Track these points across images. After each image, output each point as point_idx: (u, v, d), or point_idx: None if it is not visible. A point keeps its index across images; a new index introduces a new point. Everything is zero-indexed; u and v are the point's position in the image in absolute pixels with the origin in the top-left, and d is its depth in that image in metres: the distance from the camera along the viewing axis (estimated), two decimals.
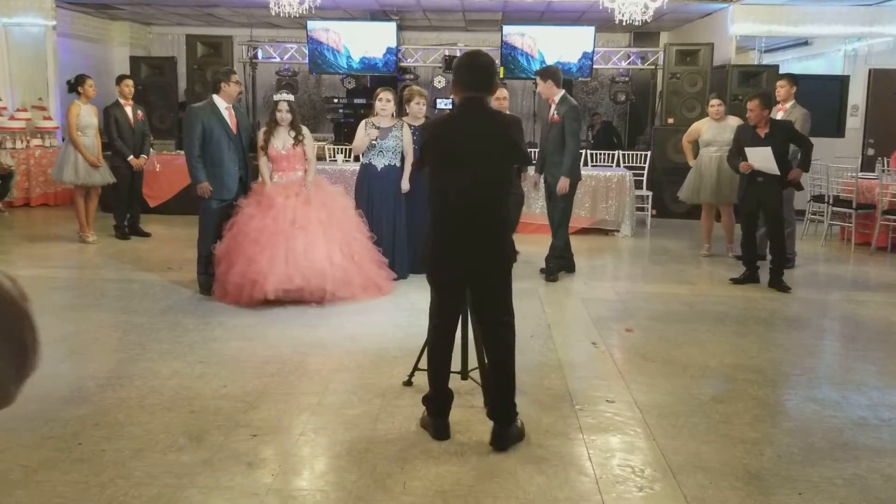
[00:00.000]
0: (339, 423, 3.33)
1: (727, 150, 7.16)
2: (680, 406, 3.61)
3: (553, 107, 6.19)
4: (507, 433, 3.10)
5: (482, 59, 3.05)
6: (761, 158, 5.86)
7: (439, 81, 10.64)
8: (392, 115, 6.08)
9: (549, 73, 6.26)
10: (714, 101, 7.24)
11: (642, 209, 9.19)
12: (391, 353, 4.27)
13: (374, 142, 5.93)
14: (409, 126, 6.16)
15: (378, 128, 5.97)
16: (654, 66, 10.11)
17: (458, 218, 2.99)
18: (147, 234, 7.96)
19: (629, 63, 10.32)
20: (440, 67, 10.75)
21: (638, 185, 9.02)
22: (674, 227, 9.00)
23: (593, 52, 9.94)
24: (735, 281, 6.19)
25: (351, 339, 4.57)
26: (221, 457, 3.00)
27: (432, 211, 3.12)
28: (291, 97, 5.76)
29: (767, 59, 11.85)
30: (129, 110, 7.70)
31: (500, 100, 6.16)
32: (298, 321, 4.93)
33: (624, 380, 3.93)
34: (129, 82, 7.71)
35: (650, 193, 9.20)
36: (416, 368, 3.71)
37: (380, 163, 6.05)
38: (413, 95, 6.20)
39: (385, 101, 6.01)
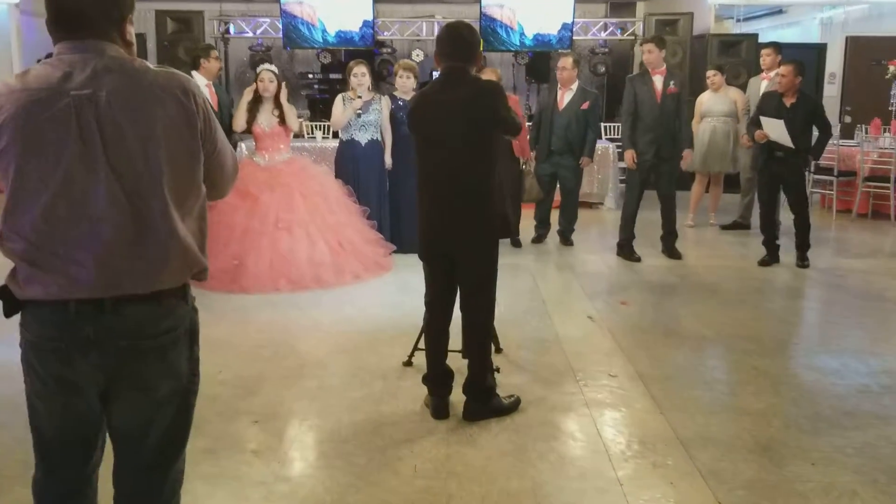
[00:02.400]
0: (342, 407, 3.26)
1: (723, 120, 7.17)
2: (683, 378, 3.60)
3: (662, 77, 5.93)
4: (477, 408, 3.10)
5: (462, 29, 2.97)
6: (775, 130, 5.63)
7: (417, 55, 10.45)
8: (368, 87, 5.95)
9: (664, 42, 6.14)
10: (710, 73, 7.21)
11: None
12: (387, 333, 4.20)
13: (358, 111, 5.80)
14: (398, 99, 6.03)
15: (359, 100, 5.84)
16: (633, 37, 10.04)
17: (435, 189, 2.95)
18: None
19: (608, 34, 10.24)
20: (417, 40, 10.57)
21: (619, 157, 8.99)
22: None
23: (573, 23, 9.84)
24: (762, 263, 5.89)
25: (345, 320, 4.48)
26: (224, 445, 2.92)
27: (417, 184, 3.08)
28: (275, 68, 5.60)
29: (743, 29, 11.84)
30: None
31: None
32: (290, 304, 4.83)
33: (624, 353, 3.91)
34: None
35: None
36: (415, 348, 3.65)
37: (363, 138, 5.92)
38: (398, 69, 6.06)
39: (360, 76, 5.87)
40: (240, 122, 5.57)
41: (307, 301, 4.90)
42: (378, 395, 3.38)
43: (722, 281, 5.45)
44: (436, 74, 5.97)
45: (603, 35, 10.30)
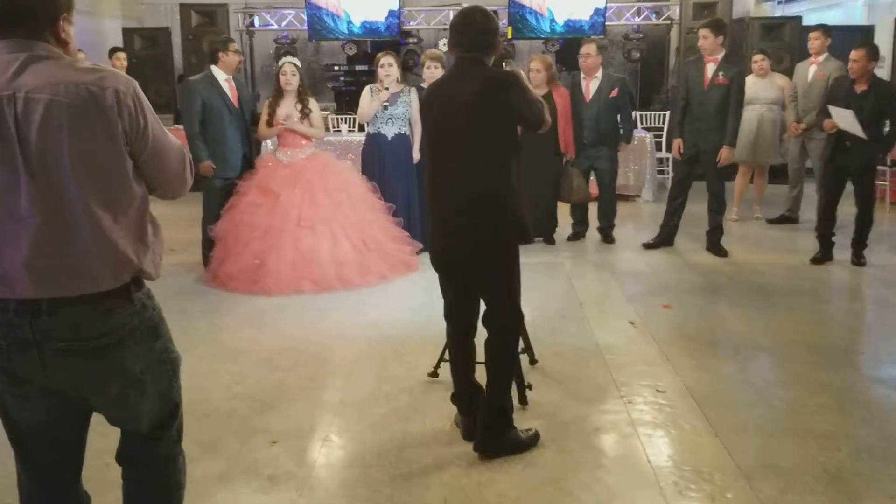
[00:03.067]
0: (365, 425, 3.02)
1: (769, 108, 6.77)
2: (737, 394, 3.29)
3: (713, 66, 5.59)
4: (490, 439, 2.74)
5: (477, 15, 2.63)
6: (844, 119, 5.23)
7: (444, 45, 10.16)
8: (397, 79, 5.68)
9: (723, 27, 5.68)
10: (757, 57, 6.79)
11: (662, 172, 8.81)
12: (414, 340, 3.95)
13: (384, 104, 5.53)
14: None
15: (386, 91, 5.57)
16: (668, 22, 9.63)
17: (445, 192, 2.64)
18: None
19: (642, 19, 9.83)
20: (444, 29, 10.27)
21: (658, 146, 8.62)
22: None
23: (605, 7, 9.45)
24: (815, 261, 5.53)
25: (370, 325, 4.24)
26: (239, 469, 2.69)
27: (426, 185, 2.79)
28: (297, 61, 5.37)
29: (783, 11, 11.31)
30: None
31: (534, 72, 5.77)
32: (312, 306, 4.61)
33: (670, 363, 3.60)
34: (122, 55, 7.33)
35: (669, 155, 8.80)
36: (441, 359, 3.37)
37: (390, 132, 5.66)
38: (425, 59, 5.78)
39: (387, 66, 5.60)
40: (264, 133, 5.36)
41: (330, 303, 4.67)
42: (404, 412, 3.13)
43: (772, 280, 5.10)
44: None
45: (637, 20, 9.90)
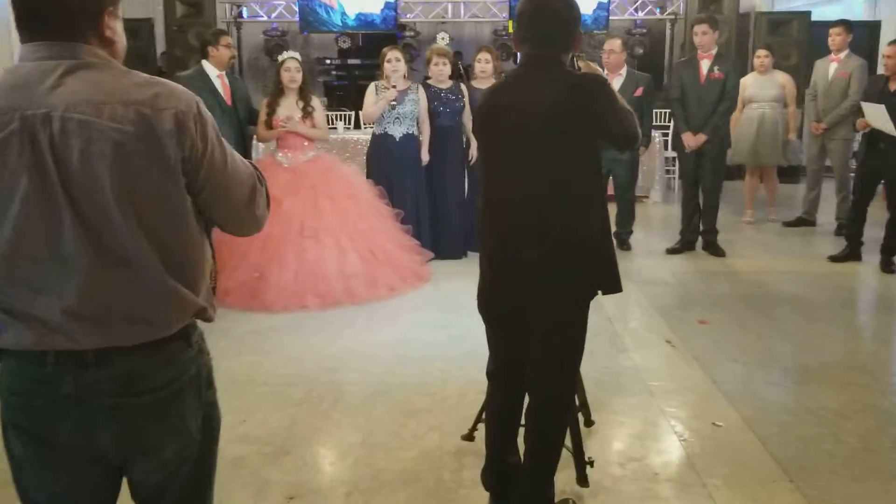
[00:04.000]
0: (394, 474, 2.67)
1: (771, 106, 6.49)
2: (800, 427, 2.98)
3: (710, 61, 5.46)
4: None
5: (552, 1, 2.10)
6: (877, 116, 4.98)
7: (443, 38, 9.78)
8: (404, 76, 5.33)
9: (717, 22, 5.63)
10: (760, 52, 6.50)
11: (668, 172, 8.52)
12: (436, 365, 3.61)
13: (392, 103, 5.17)
14: (433, 88, 5.40)
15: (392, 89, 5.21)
16: (673, 16, 9.34)
17: (506, 226, 2.12)
18: None
19: (646, 13, 9.53)
20: (443, 23, 9.89)
21: (665, 145, 8.33)
22: None
23: (609, 1, 9.13)
24: (834, 259, 5.38)
25: (385, 345, 3.89)
26: None
27: (478, 214, 2.27)
28: (298, 55, 4.99)
29: (781, 6, 11.04)
30: None
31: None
32: (319, 324, 4.25)
33: (720, 391, 3.29)
34: None
35: (675, 154, 8.50)
36: (478, 421, 2.78)
37: (398, 132, 5.30)
38: (432, 55, 5.42)
39: (395, 62, 5.23)
40: (263, 135, 4.98)
41: (339, 320, 4.31)
42: (436, 456, 2.78)
43: (803, 291, 4.81)
44: (481, 67, 5.47)
45: (641, 14, 9.58)
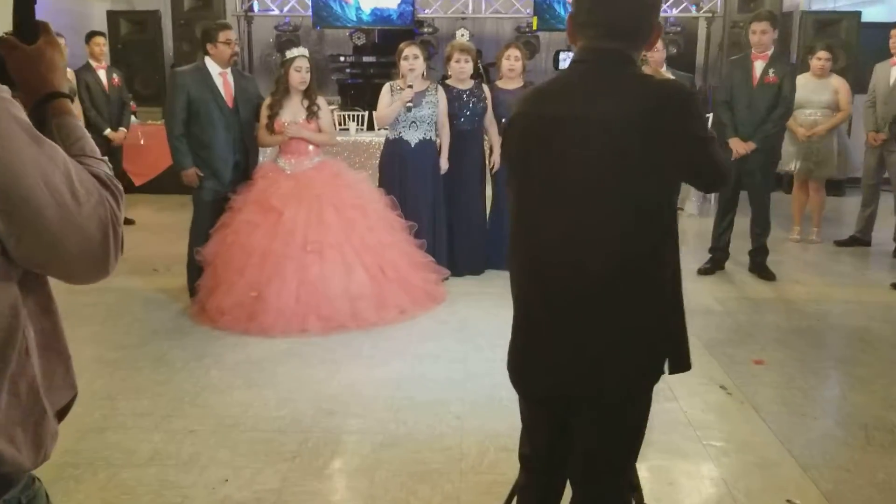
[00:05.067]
0: None
1: (823, 113, 5.94)
2: None
3: (764, 62, 4.95)
4: None
5: None
6: None
7: (462, 34, 9.28)
8: (423, 75, 4.82)
9: (777, 21, 5.13)
10: (822, 54, 5.92)
11: None
12: (451, 410, 3.10)
13: (408, 105, 4.66)
14: (453, 89, 4.89)
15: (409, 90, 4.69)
16: (710, 14, 8.78)
17: (552, 285, 1.58)
18: (130, 222, 6.73)
19: (681, 10, 8.98)
20: (462, 18, 9.38)
21: None
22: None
23: None
24: None
25: (392, 383, 3.39)
26: None
27: (510, 264, 1.72)
28: (307, 52, 4.49)
29: (820, 6, 10.44)
30: (101, 74, 6.42)
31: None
32: (320, 353, 3.75)
33: (792, 456, 2.76)
34: (100, 40, 6.42)
35: None
36: None
37: (413, 137, 4.79)
38: (452, 52, 4.91)
39: (413, 59, 4.73)
40: (265, 140, 4.50)
41: (342, 348, 3.82)
42: None
43: (870, 324, 4.25)
44: (509, 65, 4.86)
45: (675, 12, 9.02)
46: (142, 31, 8.93)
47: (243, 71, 4.64)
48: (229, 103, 4.35)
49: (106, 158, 1.13)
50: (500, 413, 3.05)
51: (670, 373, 1.61)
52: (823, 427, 3.01)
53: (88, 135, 1.11)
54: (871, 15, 9.08)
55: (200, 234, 4.31)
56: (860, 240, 6.04)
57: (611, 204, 1.50)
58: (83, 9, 10.84)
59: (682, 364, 1.61)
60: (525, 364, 1.68)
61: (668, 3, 8.99)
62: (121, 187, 1.06)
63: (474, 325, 4.15)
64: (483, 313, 4.34)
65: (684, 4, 9.03)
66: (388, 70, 10.45)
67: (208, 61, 4.33)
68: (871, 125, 5.89)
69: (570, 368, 1.59)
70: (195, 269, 4.37)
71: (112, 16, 9.01)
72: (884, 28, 8.35)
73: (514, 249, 1.68)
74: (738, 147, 4.94)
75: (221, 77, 4.33)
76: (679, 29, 9.04)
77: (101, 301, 4.62)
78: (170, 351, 3.77)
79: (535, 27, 8.86)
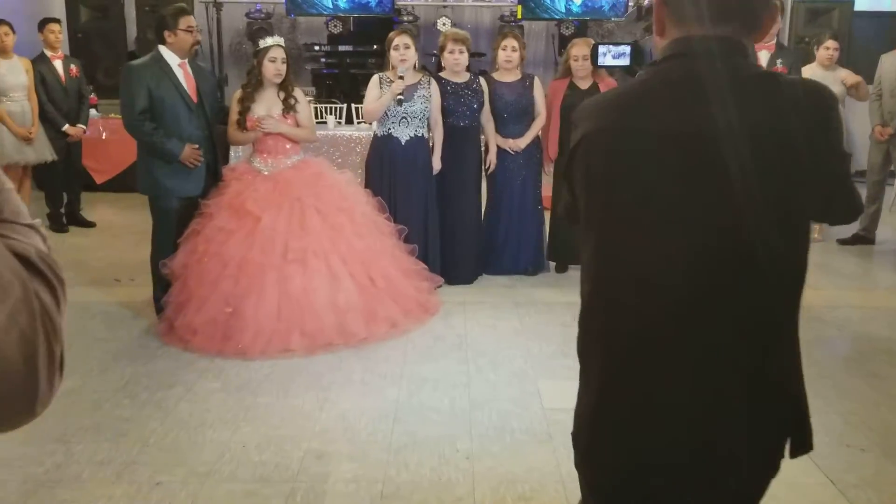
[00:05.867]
0: None
1: None
2: None
3: (767, 54, 4.75)
4: None
5: None
6: None
7: (444, 23, 8.88)
8: (414, 66, 4.42)
9: (782, 7, 4.86)
10: (830, 43, 5.61)
11: None
12: (460, 449, 2.74)
13: (398, 98, 4.26)
14: (446, 82, 4.50)
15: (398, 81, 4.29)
16: None
17: (658, 353, 1.20)
18: (90, 224, 6.25)
19: None
20: (444, 6, 8.97)
21: None
22: None
23: None
24: None
25: (389, 415, 3.01)
26: None
27: (585, 329, 1.34)
28: (282, 41, 4.07)
29: None
30: (58, 64, 5.89)
31: (581, 60, 4.55)
32: (306, 379, 3.36)
33: (845, 497, 2.44)
34: (55, 27, 5.89)
35: None
36: None
37: (404, 134, 4.40)
38: (445, 41, 4.51)
39: (404, 49, 4.32)
40: (236, 137, 4.07)
41: (329, 371, 3.43)
42: None
43: (894, 334, 3.98)
44: (506, 55, 4.38)
45: None
46: (103, 18, 8.39)
47: (197, 60, 4.15)
48: (193, 97, 3.92)
49: (38, 222, 0.75)
50: (514, 451, 2.71)
51: (792, 456, 1.25)
52: (875, 462, 2.70)
53: (10, 187, 0.73)
54: (863, 4, 8.89)
55: (164, 245, 3.87)
56: (864, 238, 5.79)
57: (743, 242, 1.12)
58: None
59: (803, 443, 1.25)
60: (602, 453, 1.29)
61: None
62: (62, 274, 0.68)
63: (473, 340, 3.79)
64: (481, 327, 3.98)
65: None
66: (366, 60, 10.03)
67: (165, 52, 3.87)
68: (878, 118, 5.64)
69: (678, 453, 1.20)
70: (161, 283, 3.93)
71: (71, 2, 8.43)
72: (877, 17, 8.15)
73: (594, 299, 1.29)
74: None
75: (181, 69, 3.88)
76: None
77: None
78: (134, 379, 3.35)
79: (519, 16, 8.50)
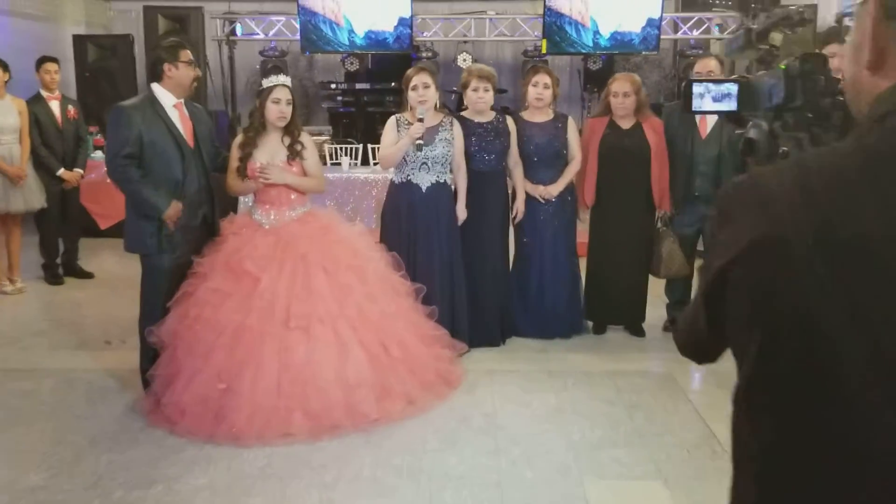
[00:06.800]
0: None
1: None
2: None
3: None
4: None
5: None
6: None
7: (464, 59, 8.51)
8: (435, 106, 3.98)
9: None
10: None
11: None
12: None
13: (418, 142, 3.81)
14: (470, 123, 4.06)
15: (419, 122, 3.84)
16: (733, 35, 8.07)
17: None
18: (88, 275, 5.84)
19: (701, 32, 8.24)
20: (464, 41, 8.61)
21: None
22: None
23: (661, 17, 7.84)
24: None
25: None
26: None
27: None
28: (289, 80, 3.65)
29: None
30: (54, 106, 5.55)
31: (620, 97, 4.11)
32: (307, 474, 2.86)
33: None
34: (51, 67, 5.56)
35: None
36: None
37: (425, 180, 3.93)
38: (469, 78, 4.06)
39: (423, 89, 3.88)
40: (235, 187, 3.63)
41: (337, 465, 2.92)
42: None
43: None
44: (537, 93, 3.86)
45: (696, 34, 8.29)
46: (112, 57, 8.12)
47: (195, 103, 3.75)
48: (190, 142, 3.50)
49: None
50: None
51: None
52: None
53: None
54: None
55: (153, 309, 3.41)
56: None
57: None
58: (56, 34, 10.03)
59: None
60: None
61: (688, 25, 8.25)
62: None
63: (503, 422, 3.27)
64: (511, 403, 3.46)
65: (706, 25, 8.30)
66: (383, 98, 9.69)
67: (159, 91, 3.48)
68: None
69: None
70: (148, 353, 3.47)
71: (79, 40, 8.20)
72: None
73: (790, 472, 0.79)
74: None
75: (177, 110, 3.48)
76: (700, 52, 8.30)
77: (37, 389, 3.72)
78: (109, 473, 2.86)
79: (544, 51, 8.10)
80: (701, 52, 8.28)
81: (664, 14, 7.97)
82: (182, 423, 3.21)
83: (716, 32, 8.31)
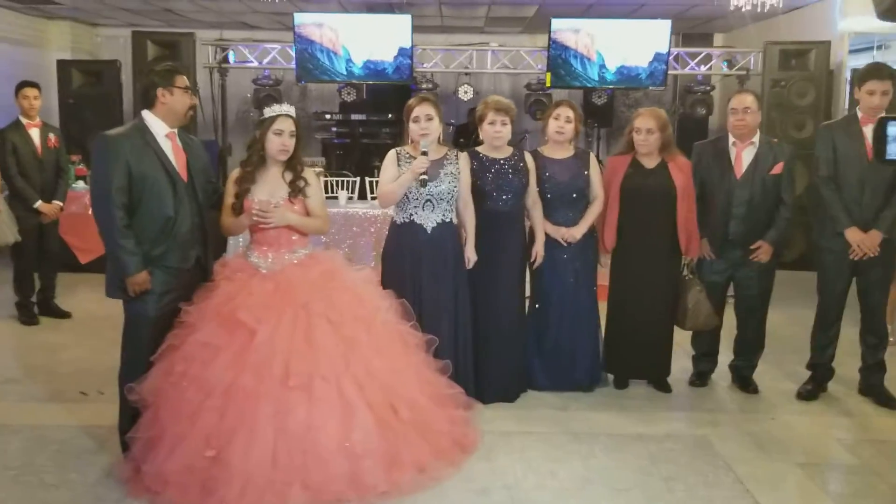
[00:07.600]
0: None
1: None
2: None
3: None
4: None
5: None
6: None
7: (465, 92, 8.26)
8: (439, 139, 3.67)
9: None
10: None
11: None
12: None
13: (422, 177, 3.48)
14: (484, 158, 3.75)
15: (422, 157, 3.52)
16: (745, 72, 7.86)
17: None
18: (65, 315, 5.44)
19: (707, 68, 8.05)
20: (466, 73, 8.36)
21: None
22: (781, 284, 6.23)
23: (668, 52, 7.63)
24: None
25: None
26: None
27: None
28: (293, 111, 3.32)
29: (864, 60, 9.62)
30: (34, 133, 5.19)
31: (644, 133, 3.83)
32: None
33: None
34: (31, 92, 5.21)
35: None
36: None
37: (430, 220, 3.61)
38: (485, 111, 3.76)
39: (425, 121, 3.58)
40: (230, 226, 3.29)
41: None
42: None
43: None
44: (558, 126, 3.55)
45: (703, 69, 8.09)
46: (98, 83, 7.78)
47: (192, 137, 3.42)
48: (183, 175, 3.16)
49: None
50: None
51: None
52: None
53: None
54: None
55: (136, 363, 3.04)
56: None
57: None
58: (41, 60, 9.71)
59: None
60: None
61: (696, 60, 8.05)
62: None
63: (528, 496, 2.91)
64: (534, 473, 3.10)
65: (714, 61, 8.11)
66: (379, 129, 9.41)
67: (151, 119, 3.15)
68: None
69: None
70: (128, 413, 3.08)
71: (63, 65, 7.87)
72: None
73: None
74: (859, 240, 3.81)
75: (169, 140, 3.15)
76: (708, 88, 8.11)
77: (2, 449, 3.31)
78: None
79: (548, 84, 7.86)
80: (708, 88, 8.08)
81: (672, 48, 7.77)
82: (165, 495, 2.83)
83: (724, 68, 8.13)
